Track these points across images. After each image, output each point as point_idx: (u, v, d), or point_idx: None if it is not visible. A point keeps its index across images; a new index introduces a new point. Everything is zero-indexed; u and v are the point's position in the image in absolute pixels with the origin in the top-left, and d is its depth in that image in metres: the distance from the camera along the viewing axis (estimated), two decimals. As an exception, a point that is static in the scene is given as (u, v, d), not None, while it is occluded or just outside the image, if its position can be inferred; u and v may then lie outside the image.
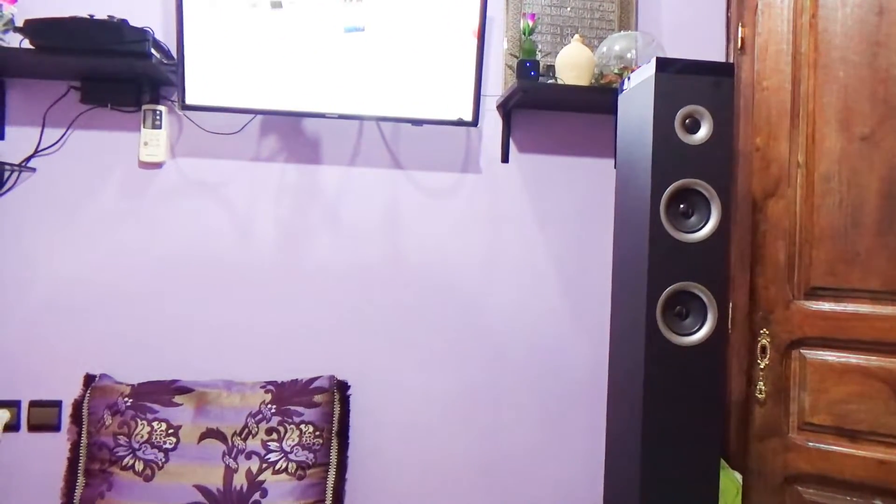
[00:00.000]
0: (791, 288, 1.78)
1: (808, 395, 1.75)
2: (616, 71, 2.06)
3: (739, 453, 1.97)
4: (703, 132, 1.57)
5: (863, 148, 1.68)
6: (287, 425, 1.96)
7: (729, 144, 1.59)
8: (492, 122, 2.24)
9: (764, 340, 1.81)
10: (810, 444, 1.75)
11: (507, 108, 2.22)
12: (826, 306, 1.73)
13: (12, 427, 2.03)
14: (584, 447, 2.27)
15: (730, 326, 2.06)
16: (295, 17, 1.93)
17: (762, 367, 1.82)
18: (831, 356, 1.73)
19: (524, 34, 2.11)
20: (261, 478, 1.90)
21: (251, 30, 1.93)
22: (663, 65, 1.56)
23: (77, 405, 1.98)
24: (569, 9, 2.24)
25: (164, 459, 1.89)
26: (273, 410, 1.97)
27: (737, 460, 2.02)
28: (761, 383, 1.82)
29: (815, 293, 1.75)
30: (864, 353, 1.68)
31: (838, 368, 1.71)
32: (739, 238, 2.05)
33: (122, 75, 2.00)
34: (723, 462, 1.99)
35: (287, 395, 2.01)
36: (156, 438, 1.90)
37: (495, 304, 2.25)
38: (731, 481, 1.96)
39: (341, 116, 2.02)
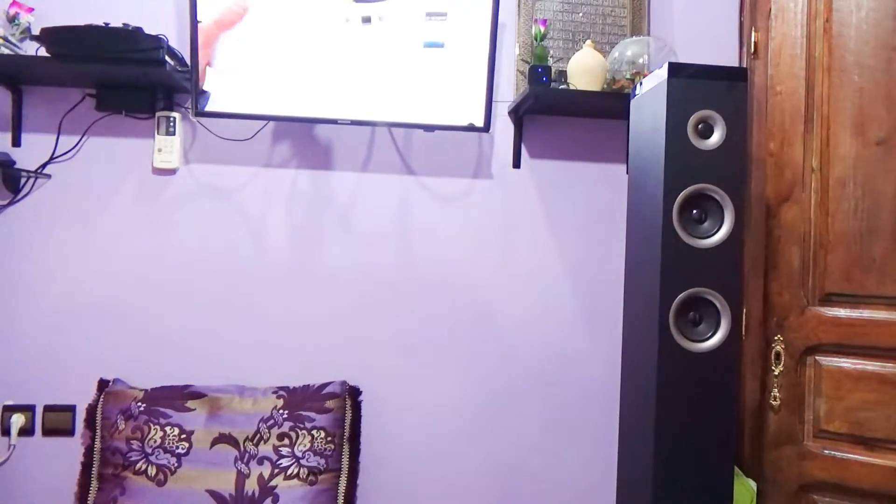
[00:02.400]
0: (805, 294, 1.76)
1: (823, 402, 1.74)
2: (628, 76, 2.06)
3: (754, 461, 1.95)
4: (716, 137, 1.56)
5: (878, 152, 1.66)
6: (299, 431, 1.97)
7: (742, 149, 1.58)
8: (503, 128, 2.25)
9: (778, 347, 1.80)
10: (825, 451, 1.73)
11: (519, 114, 2.22)
12: (841, 312, 1.72)
13: (27, 431, 2.05)
14: (596, 453, 2.25)
15: (743, 333, 2.04)
16: (309, 25, 1.95)
17: (776, 373, 1.80)
18: (847, 363, 1.71)
19: (536, 40, 2.11)
20: (272, 483, 1.90)
21: (262, 37, 1.94)
22: (676, 70, 1.56)
23: (91, 410, 1.99)
24: (581, 14, 2.24)
25: (176, 464, 1.89)
26: (285, 416, 1.98)
27: (751, 468, 2.00)
28: (776, 390, 1.80)
29: (830, 299, 1.73)
30: (881, 360, 1.66)
31: (854, 375, 1.69)
32: (753, 243, 2.04)
33: (137, 82, 2.02)
34: (737, 469, 1.97)
35: (299, 400, 2.01)
36: (168, 443, 1.91)
37: (507, 310, 2.24)
38: (745, 489, 1.94)
39: (353, 122, 2.02)
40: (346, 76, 1.99)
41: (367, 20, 1.95)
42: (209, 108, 1.97)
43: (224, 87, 1.96)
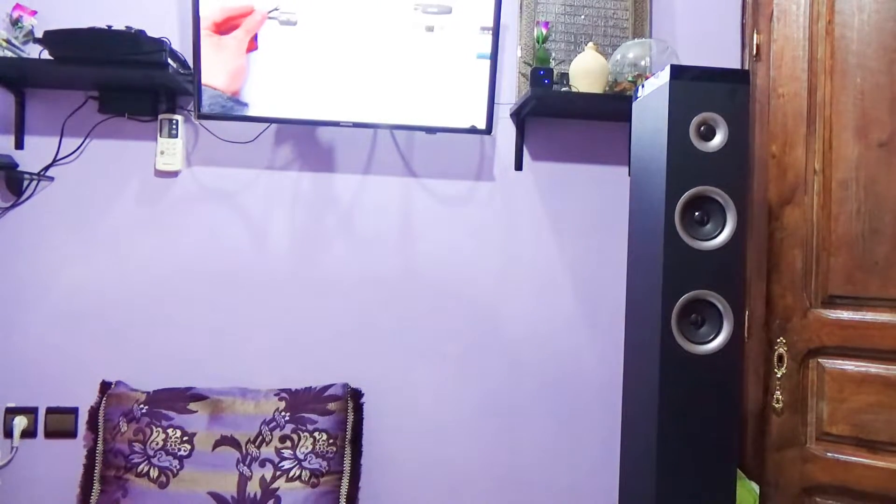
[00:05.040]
0: (808, 296, 1.76)
1: (826, 404, 1.73)
2: (630, 78, 2.06)
3: (756, 464, 1.95)
4: (719, 139, 1.56)
5: (881, 155, 1.66)
6: (301, 433, 1.96)
7: (744, 151, 1.58)
8: (505, 130, 2.25)
9: (781, 349, 1.79)
10: (828, 454, 1.72)
11: (521, 116, 2.22)
12: (844, 315, 1.71)
13: (29, 433, 2.05)
14: (599, 456, 2.25)
15: (746, 335, 2.04)
16: (311, 30, 1.95)
17: (779, 376, 1.79)
18: (850, 365, 1.70)
19: (538, 42, 2.11)
20: (274, 485, 1.90)
21: (266, 42, 1.95)
22: (678, 72, 1.56)
23: (93, 412, 1.99)
24: (583, 17, 2.24)
25: (178, 466, 1.89)
26: (287, 418, 1.98)
27: (753, 471, 1.99)
28: (778, 393, 1.79)
29: (832, 301, 1.73)
30: (884, 363, 1.66)
31: (857, 378, 1.69)
32: (755, 246, 2.04)
33: (140, 85, 2.03)
34: (739, 472, 1.96)
35: (301, 402, 2.01)
36: (170, 445, 1.91)
37: (509, 312, 2.24)
38: (747, 492, 1.93)
39: (356, 125, 2.03)
40: (351, 80, 1.99)
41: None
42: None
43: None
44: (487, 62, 2.02)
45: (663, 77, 1.58)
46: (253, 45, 1.94)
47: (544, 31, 2.11)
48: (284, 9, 1.93)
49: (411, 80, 2.01)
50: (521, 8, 2.22)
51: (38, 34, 1.90)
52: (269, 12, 1.94)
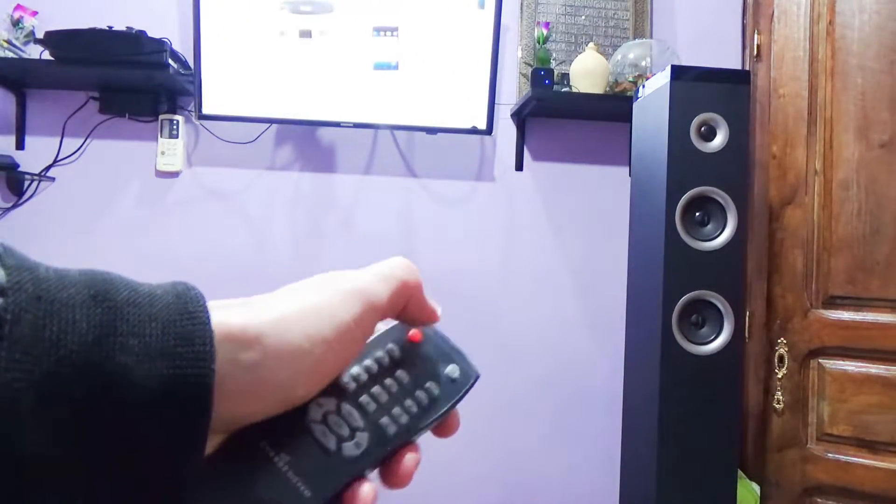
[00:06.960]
0: (809, 297, 1.76)
1: (827, 405, 1.73)
2: (631, 79, 2.06)
3: (757, 464, 1.95)
4: (719, 140, 1.56)
5: (882, 155, 1.66)
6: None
7: (745, 152, 1.58)
8: (506, 131, 2.25)
9: (781, 350, 1.79)
10: (829, 455, 1.72)
11: (522, 117, 2.22)
12: (845, 315, 1.71)
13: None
14: (599, 457, 2.25)
15: (747, 336, 2.04)
16: (312, 28, 1.95)
17: (780, 376, 1.79)
18: (851, 366, 1.70)
19: (538, 42, 2.11)
20: (275, 486, 1.90)
21: (265, 40, 1.95)
22: (678, 72, 1.56)
23: (94, 412, 1.99)
24: (583, 17, 2.24)
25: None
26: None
27: (754, 471, 1.99)
28: (779, 393, 1.80)
29: (833, 302, 1.73)
30: (885, 363, 1.66)
31: (858, 378, 1.69)
32: (756, 246, 2.04)
33: (140, 86, 2.03)
34: (740, 473, 1.96)
35: (301, 403, 2.01)
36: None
37: (509, 313, 2.24)
38: (748, 492, 1.93)
39: (356, 125, 2.03)
40: (350, 80, 1.99)
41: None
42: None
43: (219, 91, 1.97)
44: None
45: (664, 77, 1.58)
46: None
47: (545, 32, 2.11)
48: None
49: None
50: (521, 8, 2.22)
51: (39, 35, 1.90)
52: None
